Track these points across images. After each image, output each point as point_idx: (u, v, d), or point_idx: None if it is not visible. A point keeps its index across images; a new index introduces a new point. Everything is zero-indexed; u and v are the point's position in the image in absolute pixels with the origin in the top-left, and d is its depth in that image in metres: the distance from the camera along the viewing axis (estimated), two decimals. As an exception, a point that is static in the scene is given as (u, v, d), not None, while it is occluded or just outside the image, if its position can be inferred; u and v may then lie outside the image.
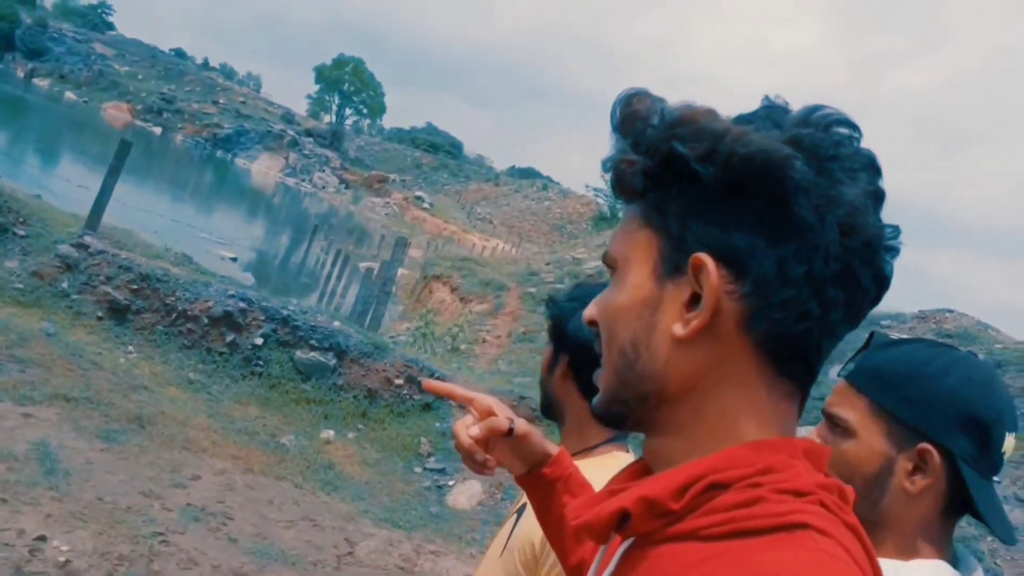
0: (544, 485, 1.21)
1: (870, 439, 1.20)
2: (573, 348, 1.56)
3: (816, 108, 0.67)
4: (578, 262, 17.55)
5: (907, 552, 1.19)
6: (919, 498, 1.18)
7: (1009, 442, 1.18)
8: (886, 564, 1.08)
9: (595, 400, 0.77)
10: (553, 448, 1.23)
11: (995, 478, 1.21)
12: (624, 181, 0.72)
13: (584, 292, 1.62)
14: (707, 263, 0.65)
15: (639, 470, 0.77)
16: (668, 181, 0.69)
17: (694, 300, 0.67)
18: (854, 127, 0.66)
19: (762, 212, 0.64)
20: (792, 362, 0.67)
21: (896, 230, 0.67)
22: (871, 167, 0.66)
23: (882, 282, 0.67)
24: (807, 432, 1.17)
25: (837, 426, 1.24)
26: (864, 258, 0.65)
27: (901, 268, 0.70)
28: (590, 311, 0.78)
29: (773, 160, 0.63)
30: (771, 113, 0.68)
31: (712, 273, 0.65)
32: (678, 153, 0.66)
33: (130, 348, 7.34)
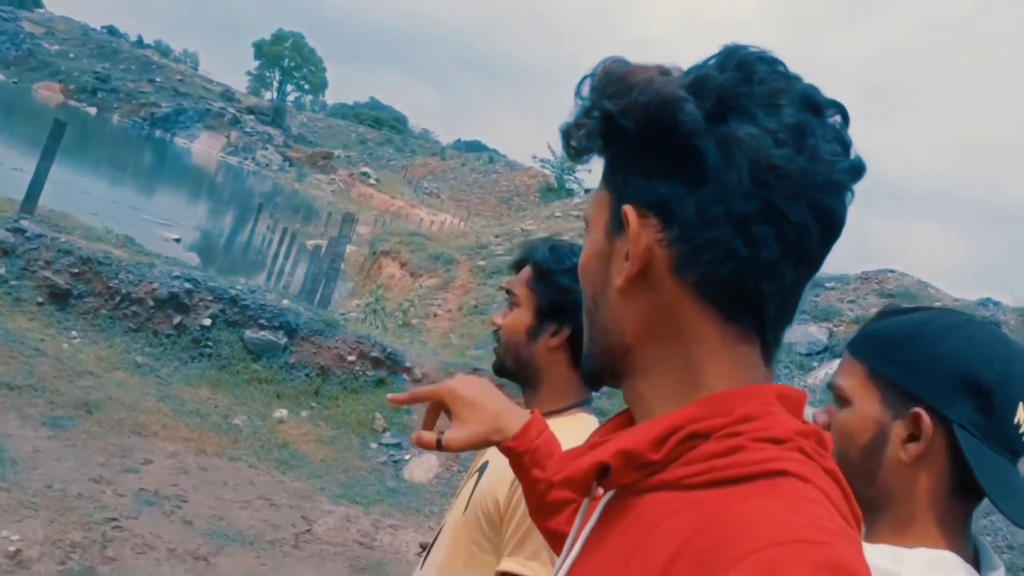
0: (511, 458, 1.21)
1: (865, 406, 1.12)
2: (581, 322, 1.56)
3: (734, 48, 0.68)
4: (527, 234, 17.56)
5: (908, 536, 1.07)
6: (916, 470, 1.07)
7: None
8: (884, 550, 1.03)
9: (582, 359, 0.79)
10: (517, 421, 1.21)
11: (1017, 458, 1.07)
12: (574, 144, 0.73)
13: (575, 258, 1.61)
14: (628, 213, 0.68)
15: (621, 423, 0.78)
16: (609, 139, 0.70)
17: None
18: (774, 62, 0.66)
19: (672, 158, 0.66)
20: (734, 306, 0.67)
21: (839, 164, 0.65)
22: (799, 101, 0.65)
23: (824, 216, 0.65)
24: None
25: (837, 397, 1.16)
26: (787, 192, 0.64)
27: (845, 232, 0.68)
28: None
29: (664, 105, 0.65)
30: (719, 60, 0.68)
31: (633, 223, 0.67)
32: (607, 110, 0.68)
33: (73, 333, 7.18)
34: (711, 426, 0.65)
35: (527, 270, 1.66)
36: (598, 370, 0.76)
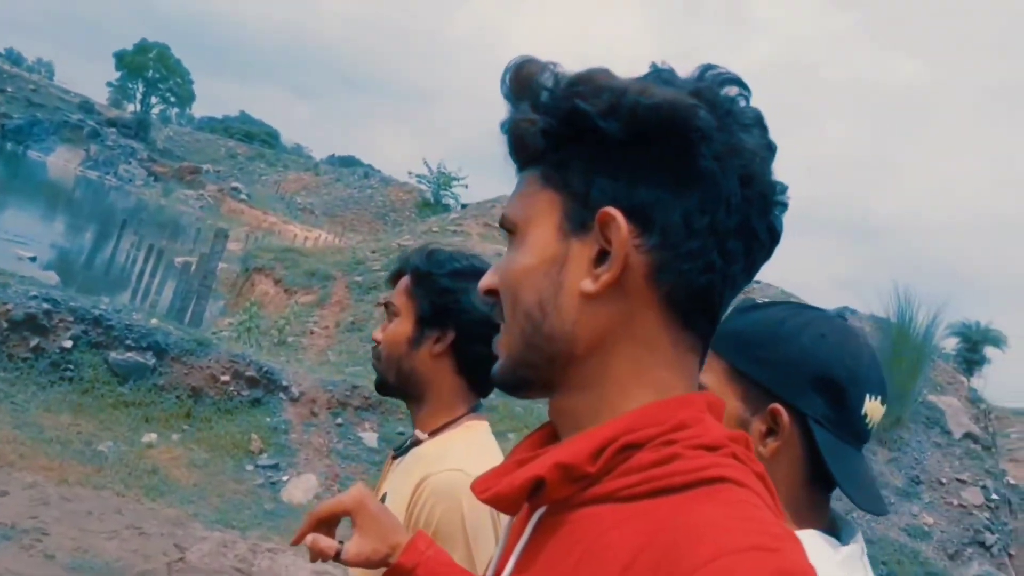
0: (404, 574, 1.14)
1: (727, 403, 1.08)
2: (462, 324, 1.51)
3: (709, 67, 0.69)
4: (405, 250, 17.40)
5: None
6: (774, 463, 1.09)
7: (872, 406, 1.14)
8: None
9: (497, 367, 0.75)
10: (403, 536, 1.16)
11: (862, 445, 1.17)
12: (525, 141, 0.71)
13: (452, 259, 1.56)
14: (616, 217, 0.66)
15: (543, 437, 0.76)
16: (569, 139, 0.69)
17: (601, 256, 0.67)
18: (744, 86, 0.69)
19: (666, 163, 0.65)
20: (696, 314, 0.68)
21: (784, 186, 0.69)
22: (760, 123, 0.68)
23: (775, 236, 0.70)
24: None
25: None
26: (760, 210, 0.67)
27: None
28: (487, 280, 0.76)
29: (678, 109, 0.64)
30: (660, 74, 0.69)
31: (622, 226, 0.65)
32: (580, 110, 0.67)
33: (-83, 359, 6.68)
34: (646, 435, 0.65)
35: (405, 279, 1.61)
36: (528, 380, 0.73)
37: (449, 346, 1.54)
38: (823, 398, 1.11)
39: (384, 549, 1.13)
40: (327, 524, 1.16)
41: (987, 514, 6.98)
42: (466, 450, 1.41)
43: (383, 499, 1.49)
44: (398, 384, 1.59)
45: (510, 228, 0.74)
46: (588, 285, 0.67)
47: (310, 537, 1.13)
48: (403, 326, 1.57)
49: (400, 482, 1.49)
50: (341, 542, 1.14)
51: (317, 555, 1.14)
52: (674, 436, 0.64)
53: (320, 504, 1.17)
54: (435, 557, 1.15)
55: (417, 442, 1.55)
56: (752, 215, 0.67)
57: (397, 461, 1.60)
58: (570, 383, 0.71)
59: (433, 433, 1.54)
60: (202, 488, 6.35)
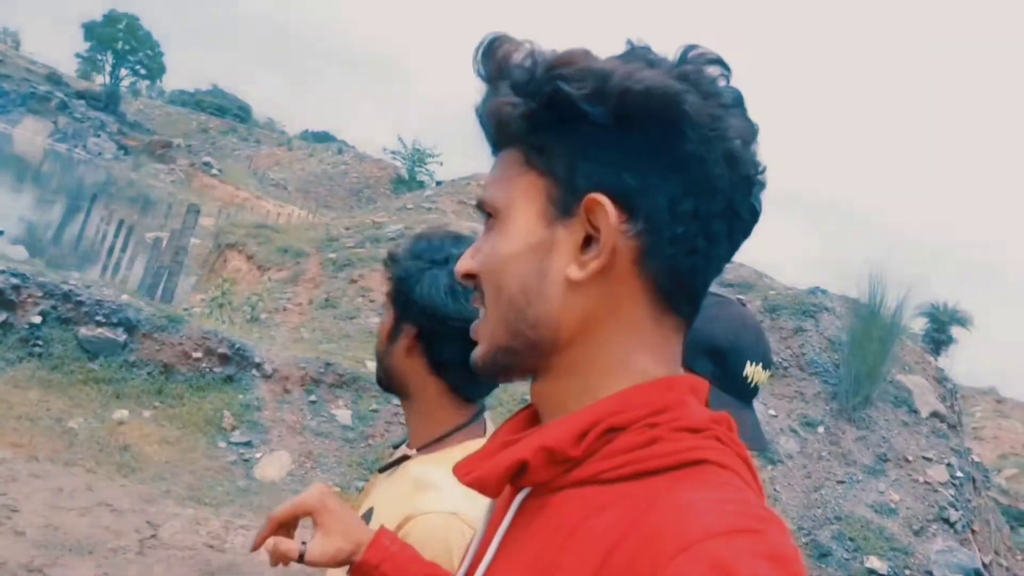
0: (369, 571, 1.10)
1: None
2: (421, 318, 1.35)
3: (692, 47, 0.68)
4: (379, 226, 17.32)
5: None
6: None
7: (753, 370, 1.44)
8: None
9: (476, 353, 0.74)
10: (366, 534, 1.12)
11: (751, 401, 1.47)
12: (507, 124, 0.69)
13: (429, 247, 1.38)
14: (604, 203, 0.65)
15: (526, 419, 0.76)
16: (551, 123, 0.67)
17: (587, 242, 0.67)
18: (726, 65, 0.68)
19: (652, 148, 0.65)
20: (680, 297, 0.68)
21: (764, 166, 0.69)
22: (740, 104, 0.68)
23: (755, 215, 0.69)
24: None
25: None
26: (743, 192, 0.67)
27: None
28: (466, 264, 0.74)
29: (668, 95, 0.64)
30: (638, 52, 0.68)
31: (610, 213, 0.65)
32: (564, 93, 0.65)
33: None
34: (629, 418, 0.65)
35: None
36: (509, 366, 0.73)
37: (417, 341, 1.37)
38: (712, 362, 1.40)
39: (348, 547, 1.10)
40: (287, 526, 1.12)
41: (952, 491, 7.10)
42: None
43: (368, 514, 1.37)
44: (387, 383, 1.46)
45: (489, 211, 0.73)
46: (575, 272, 0.67)
47: (271, 541, 1.09)
48: (386, 317, 1.43)
49: (387, 501, 1.35)
50: (304, 543, 1.11)
51: (279, 559, 1.10)
52: (657, 419, 0.64)
53: (280, 507, 1.13)
54: (400, 552, 1.12)
55: (406, 457, 1.42)
56: (736, 197, 0.67)
57: (385, 474, 1.46)
58: (554, 368, 0.70)
59: (423, 449, 1.39)
60: (174, 465, 6.32)
